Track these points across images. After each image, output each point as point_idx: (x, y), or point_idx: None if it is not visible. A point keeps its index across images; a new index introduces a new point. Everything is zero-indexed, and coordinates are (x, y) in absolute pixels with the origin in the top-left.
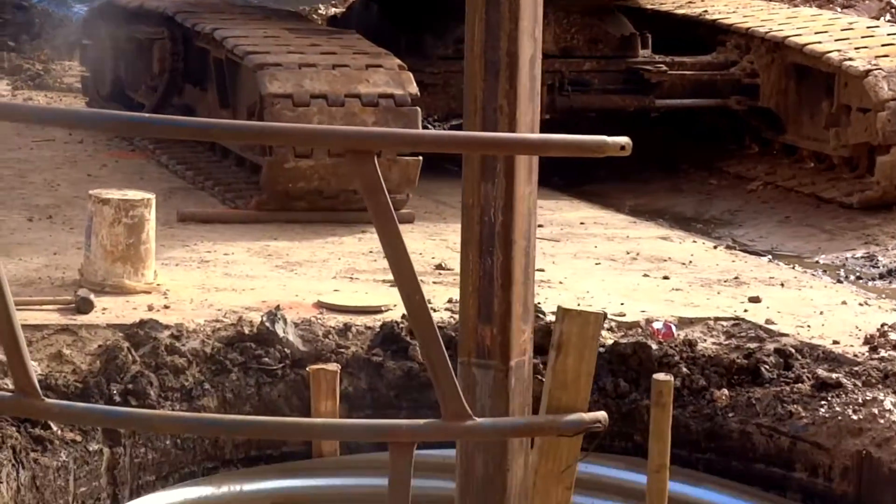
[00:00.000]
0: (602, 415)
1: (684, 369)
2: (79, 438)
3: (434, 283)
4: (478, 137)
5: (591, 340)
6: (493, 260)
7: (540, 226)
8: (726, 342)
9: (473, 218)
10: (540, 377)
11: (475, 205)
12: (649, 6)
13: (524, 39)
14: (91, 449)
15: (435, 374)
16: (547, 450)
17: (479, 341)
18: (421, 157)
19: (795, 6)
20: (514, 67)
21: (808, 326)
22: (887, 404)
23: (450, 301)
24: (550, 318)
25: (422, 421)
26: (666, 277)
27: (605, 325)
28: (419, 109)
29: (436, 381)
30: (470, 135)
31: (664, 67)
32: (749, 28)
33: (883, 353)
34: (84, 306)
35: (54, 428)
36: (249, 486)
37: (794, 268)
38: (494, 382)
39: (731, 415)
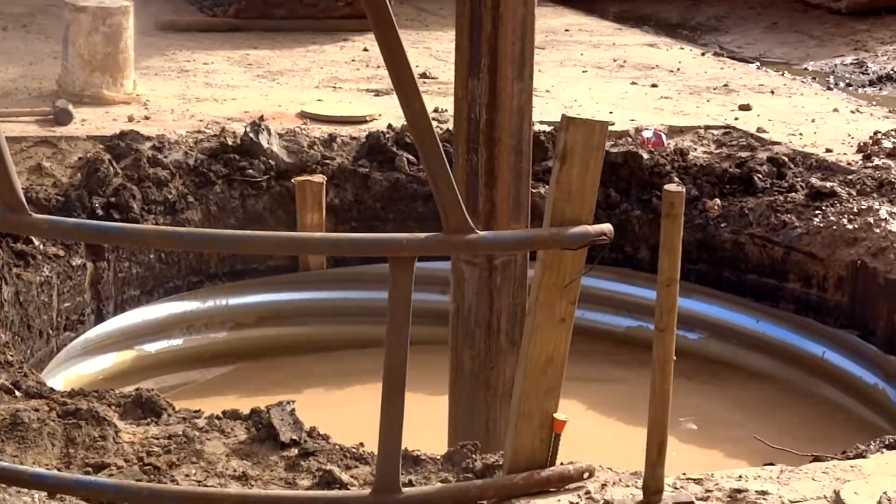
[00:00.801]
0: (607, 227)
1: (676, 179)
2: (62, 253)
3: None
4: None
5: (597, 150)
6: (477, 157)
7: None
8: (717, 151)
9: (461, 113)
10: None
11: (463, 99)
12: None
13: None
14: (74, 264)
15: (435, 185)
16: (550, 263)
17: None
18: None
19: None
20: None
21: (801, 134)
22: (883, 213)
23: (435, 111)
24: (537, 126)
25: (422, 235)
26: (654, 85)
27: None
28: None
29: (436, 192)
30: None
31: None
32: None
33: (877, 160)
34: (63, 117)
35: (36, 243)
36: (235, 300)
37: (783, 75)
38: (479, 280)
39: (723, 225)
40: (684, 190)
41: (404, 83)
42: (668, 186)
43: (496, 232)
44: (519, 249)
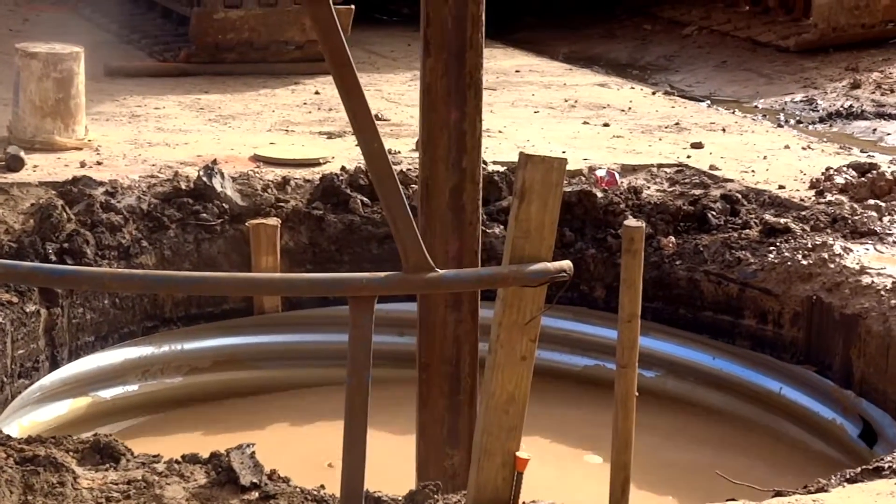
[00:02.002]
0: (567, 264)
1: (630, 217)
2: (15, 300)
3: None
4: None
5: (556, 187)
6: None
7: None
8: (671, 189)
9: None
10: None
11: None
12: None
13: None
14: (28, 310)
15: (395, 224)
16: (511, 301)
17: None
18: (353, 6)
19: None
20: None
21: (753, 171)
22: (837, 248)
23: (388, 152)
24: (492, 167)
25: (383, 274)
26: (606, 125)
27: None
28: None
29: (396, 231)
30: None
31: None
32: None
33: (830, 196)
34: (14, 164)
35: None
36: (190, 345)
37: (734, 112)
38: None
39: (678, 262)
40: (644, 225)
41: (362, 122)
42: (627, 222)
43: (456, 270)
44: (479, 287)
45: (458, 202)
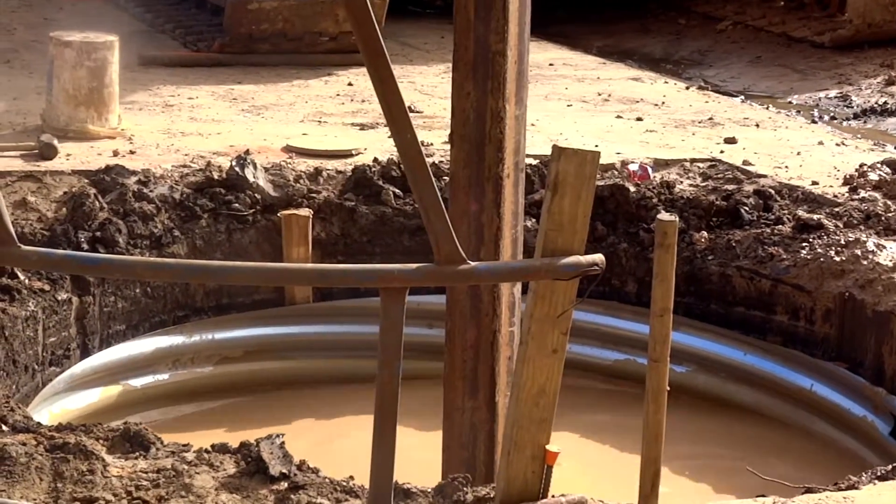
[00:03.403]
0: (599, 257)
1: (663, 211)
2: (47, 287)
3: None
4: None
5: (589, 180)
6: None
7: None
8: (704, 184)
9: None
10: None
11: None
12: None
13: None
14: (60, 298)
15: (427, 216)
16: (543, 293)
17: None
18: None
19: None
20: None
21: (786, 167)
22: (870, 245)
23: (421, 144)
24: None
25: (414, 265)
26: (639, 119)
27: None
28: None
29: (428, 222)
30: None
31: None
32: None
33: (863, 193)
34: (48, 152)
35: (21, 277)
36: (221, 335)
37: (767, 108)
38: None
39: (710, 257)
40: (677, 219)
41: (395, 113)
42: (660, 216)
43: (488, 262)
44: (512, 280)
45: (475, 288)
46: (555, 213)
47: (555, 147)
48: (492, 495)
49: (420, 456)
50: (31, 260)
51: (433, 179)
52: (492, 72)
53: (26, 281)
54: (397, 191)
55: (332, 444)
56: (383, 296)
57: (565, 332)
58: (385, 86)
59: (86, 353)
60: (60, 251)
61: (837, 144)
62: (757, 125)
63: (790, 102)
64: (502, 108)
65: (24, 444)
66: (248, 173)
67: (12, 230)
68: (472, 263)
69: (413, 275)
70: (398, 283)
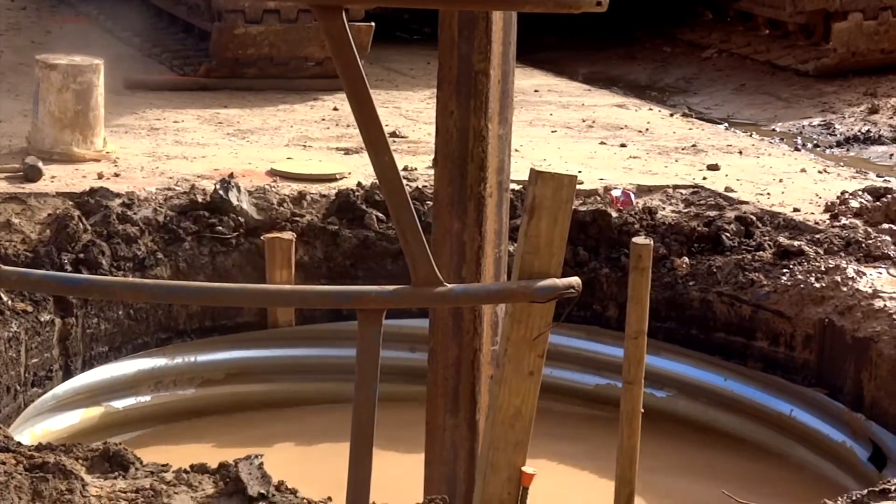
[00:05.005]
0: (575, 280)
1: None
2: (30, 309)
3: None
4: None
5: (566, 204)
6: None
7: None
8: (686, 210)
9: None
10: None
11: None
12: None
13: None
14: (42, 319)
15: (404, 237)
16: (519, 316)
17: None
18: (373, 24)
19: None
20: None
21: (768, 194)
22: (850, 272)
23: (405, 169)
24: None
25: (391, 287)
26: (623, 145)
27: None
28: None
29: (405, 244)
30: None
31: None
32: None
33: (844, 220)
34: (32, 174)
35: (4, 298)
36: (204, 357)
37: (751, 135)
38: None
39: (691, 283)
40: (652, 242)
41: (373, 136)
42: (635, 239)
43: (465, 285)
44: (488, 302)
45: (457, 308)
46: (531, 236)
47: (532, 171)
48: None
49: (400, 477)
50: (11, 280)
51: (410, 202)
52: (474, 90)
53: (9, 302)
54: (380, 215)
55: (312, 465)
56: (360, 317)
57: (542, 355)
58: (363, 109)
59: (68, 374)
60: (39, 272)
61: (820, 172)
62: (740, 152)
63: (774, 130)
64: (485, 127)
65: (4, 464)
66: (232, 196)
67: None
68: (449, 286)
69: (389, 297)
70: (374, 304)
